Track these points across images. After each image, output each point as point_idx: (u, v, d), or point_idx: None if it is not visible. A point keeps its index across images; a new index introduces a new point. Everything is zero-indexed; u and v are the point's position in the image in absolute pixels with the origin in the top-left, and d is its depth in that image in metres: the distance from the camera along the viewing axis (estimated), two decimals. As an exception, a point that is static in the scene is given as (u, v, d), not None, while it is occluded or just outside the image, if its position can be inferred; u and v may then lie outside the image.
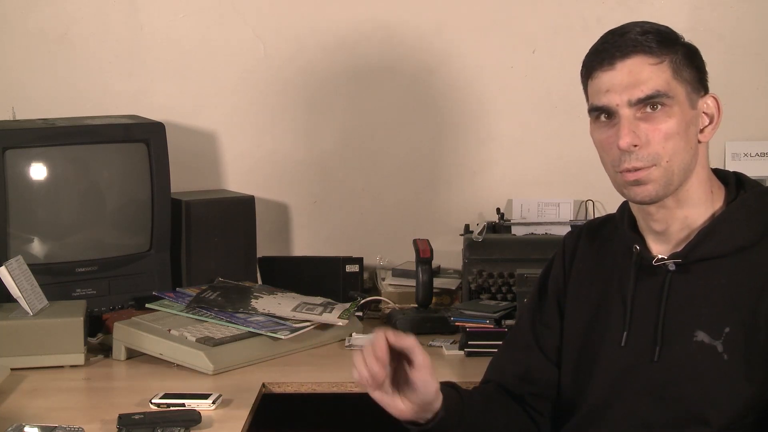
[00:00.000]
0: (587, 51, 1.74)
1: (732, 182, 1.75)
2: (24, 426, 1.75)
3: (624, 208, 1.82)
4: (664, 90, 1.65)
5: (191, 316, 2.40)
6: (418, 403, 1.67)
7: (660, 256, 1.72)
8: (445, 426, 1.71)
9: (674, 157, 1.66)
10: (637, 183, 1.67)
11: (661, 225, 1.73)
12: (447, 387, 1.75)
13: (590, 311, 1.81)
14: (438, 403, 1.69)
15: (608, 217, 1.89)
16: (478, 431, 1.78)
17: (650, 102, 1.65)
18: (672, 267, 1.70)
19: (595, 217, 2.42)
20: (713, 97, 1.72)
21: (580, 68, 1.75)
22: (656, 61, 1.66)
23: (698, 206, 1.71)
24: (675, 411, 1.67)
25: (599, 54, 1.69)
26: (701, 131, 1.71)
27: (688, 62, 1.69)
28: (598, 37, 1.76)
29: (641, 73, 1.66)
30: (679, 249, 1.71)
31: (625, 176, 1.68)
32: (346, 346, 2.42)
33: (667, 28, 1.71)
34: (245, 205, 2.74)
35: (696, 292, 1.69)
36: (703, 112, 1.71)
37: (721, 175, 1.77)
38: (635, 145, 1.65)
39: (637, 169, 1.66)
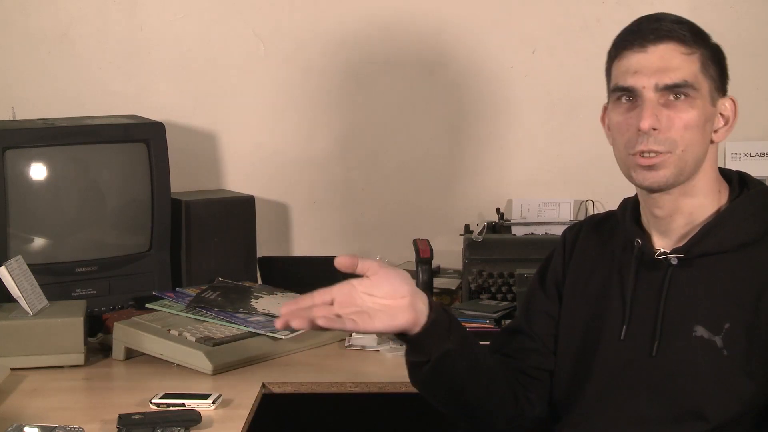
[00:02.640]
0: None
1: (735, 181, 1.76)
2: (24, 426, 1.75)
3: (626, 203, 1.83)
4: (691, 81, 1.66)
5: (191, 316, 2.40)
6: (397, 299, 1.61)
7: (662, 250, 1.72)
8: (436, 332, 1.65)
9: (689, 147, 1.67)
10: (650, 168, 1.67)
11: (664, 212, 1.73)
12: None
13: (589, 305, 1.81)
14: (425, 314, 1.64)
15: (609, 214, 1.89)
16: (468, 362, 1.72)
17: (676, 90, 1.66)
18: (674, 261, 1.71)
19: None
20: (732, 99, 1.73)
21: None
22: (688, 51, 1.67)
23: (703, 203, 1.72)
24: (673, 406, 1.67)
25: (632, 34, 1.70)
26: (715, 131, 1.72)
27: (715, 60, 1.71)
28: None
29: (672, 60, 1.66)
30: (681, 244, 1.71)
31: (639, 159, 1.68)
32: (346, 346, 2.42)
33: (698, 26, 1.73)
34: (245, 205, 2.74)
35: (697, 288, 1.69)
36: (720, 113, 1.72)
37: (725, 173, 1.78)
38: (655, 129, 1.66)
39: (652, 154, 1.66)
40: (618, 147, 1.73)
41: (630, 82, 1.68)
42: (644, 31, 1.69)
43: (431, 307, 1.65)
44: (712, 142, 1.72)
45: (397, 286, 1.62)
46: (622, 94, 1.70)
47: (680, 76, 1.66)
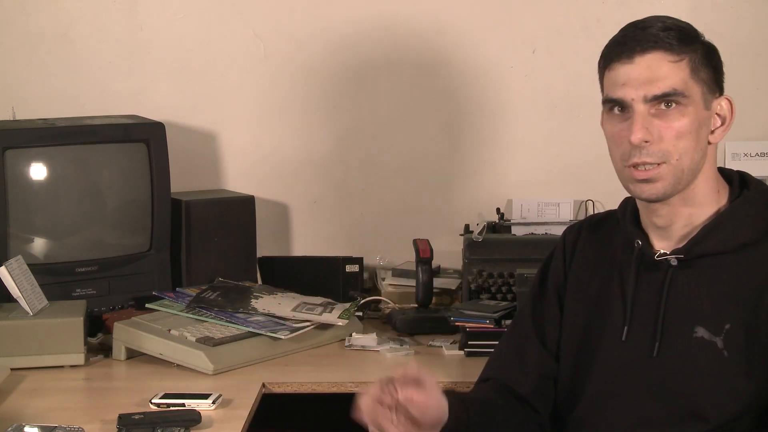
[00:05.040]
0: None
1: (736, 181, 1.76)
2: (24, 426, 1.75)
3: (626, 204, 1.82)
4: (680, 89, 1.65)
5: (191, 316, 2.40)
6: (430, 424, 1.63)
7: (662, 251, 1.72)
8: None
9: (684, 155, 1.67)
10: (646, 181, 1.67)
11: (664, 221, 1.73)
12: (449, 395, 1.72)
13: (590, 306, 1.81)
14: (445, 416, 1.66)
15: (609, 213, 1.89)
16: None
17: (666, 99, 1.66)
18: (674, 262, 1.71)
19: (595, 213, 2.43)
20: (727, 99, 1.72)
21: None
22: (676, 59, 1.66)
23: (703, 205, 1.72)
24: (673, 407, 1.67)
25: (619, 46, 1.69)
26: (712, 132, 1.71)
27: (706, 62, 1.69)
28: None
29: (659, 70, 1.66)
30: (681, 245, 1.71)
31: (634, 173, 1.68)
32: (346, 346, 2.42)
33: (688, 25, 1.71)
34: (245, 205, 2.74)
35: (697, 288, 1.69)
36: (716, 114, 1.71)
37: (725, 173, 1.77)
38: (646, 141, 1.66)
39: (646, 166, 1.66)
40: (615, 158, 1.73)
41: (619, 94, 1.68)
42: (630, 42, 1.68)
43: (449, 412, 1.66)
44: (709, 143, 1.71)
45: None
46: (613, 105, 1.70)
47: (668, 85, 1.65)
